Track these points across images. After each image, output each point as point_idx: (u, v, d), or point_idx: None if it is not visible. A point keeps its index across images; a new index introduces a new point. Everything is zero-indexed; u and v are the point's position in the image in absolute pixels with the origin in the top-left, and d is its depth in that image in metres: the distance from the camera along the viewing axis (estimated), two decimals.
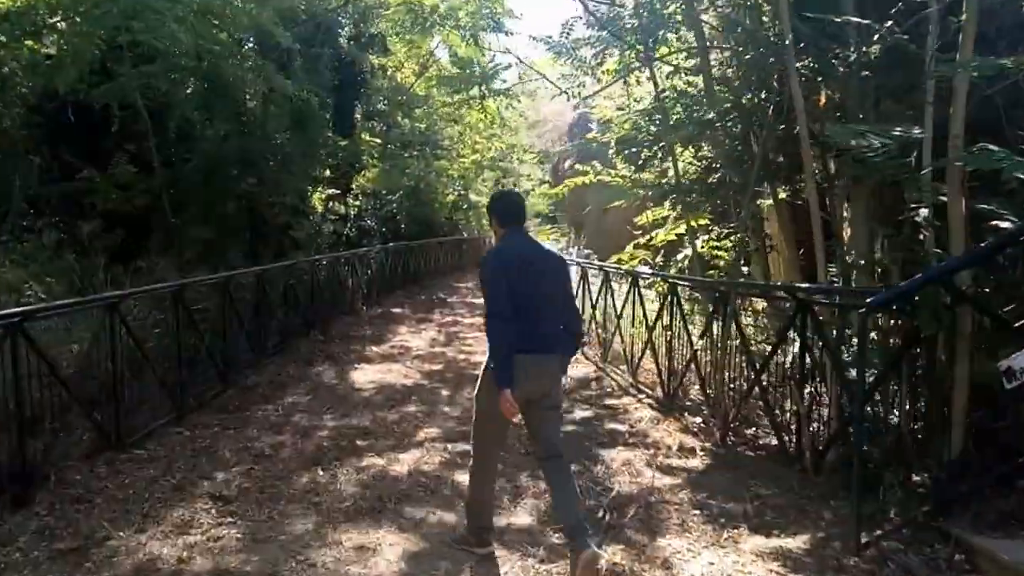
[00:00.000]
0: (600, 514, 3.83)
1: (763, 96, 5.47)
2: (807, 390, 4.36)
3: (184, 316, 6.04)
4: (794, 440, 4.45)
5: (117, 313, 4.99)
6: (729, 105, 5.63)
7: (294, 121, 10.88)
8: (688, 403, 5.89)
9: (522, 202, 3.43)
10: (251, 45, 10.85)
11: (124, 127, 9.40)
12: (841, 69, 4.70)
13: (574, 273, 9.59)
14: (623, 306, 7.41)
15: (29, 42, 8.36)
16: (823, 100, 5.01)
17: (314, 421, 5.81)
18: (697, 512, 3.88)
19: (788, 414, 4.64)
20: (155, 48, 7.97)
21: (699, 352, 5.60)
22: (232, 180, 10.00)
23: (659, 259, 8.22)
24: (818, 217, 4.73)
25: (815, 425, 4.34)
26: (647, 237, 8.34)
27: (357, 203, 15.34)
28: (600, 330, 8.17)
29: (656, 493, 4.17)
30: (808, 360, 4.29)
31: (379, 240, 14.08)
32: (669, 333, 6.03)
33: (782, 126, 5.21)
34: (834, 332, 4.35)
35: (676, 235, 6.80)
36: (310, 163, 11.47)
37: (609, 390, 6.97)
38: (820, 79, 5.02)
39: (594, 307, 8.43)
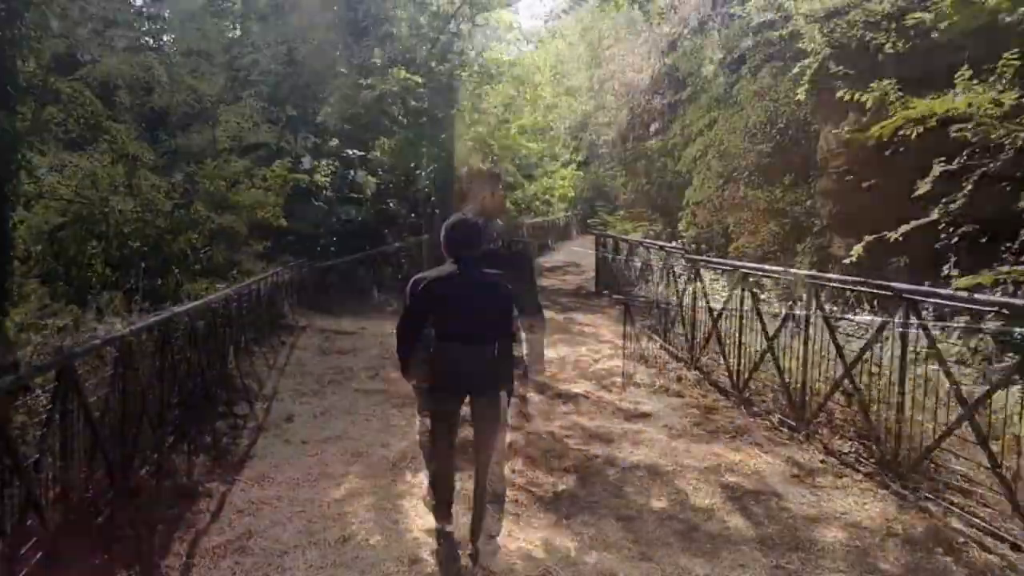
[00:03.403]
0: None
1: None
2: None
3: None
4: None
5: None
6: None
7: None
8: None
9: (460, 236, 3.37)
10: None
11: None
12: None
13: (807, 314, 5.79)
14: (936, 379, 3.66)
15: None
16: None
17: None
18: None
19: None
20: None
21: None
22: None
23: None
24: None
25: None
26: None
27: (374, 179, 11.62)
28: (854, 406, 4.34)
29: None
30: None
31: (408, 231, 10.34)
32: None
33: None
34: None
35: None
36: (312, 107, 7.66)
37: (946, 569, 3.23)
38: None
39: (804, 366, 4.63)
